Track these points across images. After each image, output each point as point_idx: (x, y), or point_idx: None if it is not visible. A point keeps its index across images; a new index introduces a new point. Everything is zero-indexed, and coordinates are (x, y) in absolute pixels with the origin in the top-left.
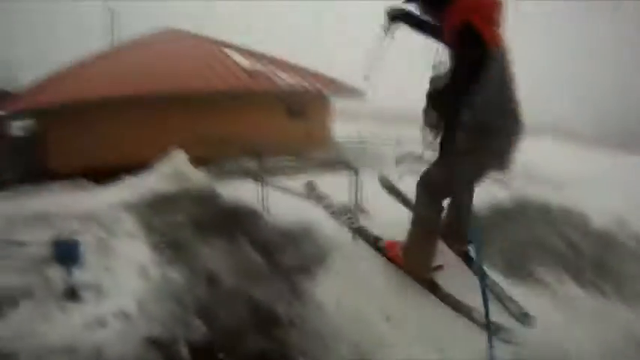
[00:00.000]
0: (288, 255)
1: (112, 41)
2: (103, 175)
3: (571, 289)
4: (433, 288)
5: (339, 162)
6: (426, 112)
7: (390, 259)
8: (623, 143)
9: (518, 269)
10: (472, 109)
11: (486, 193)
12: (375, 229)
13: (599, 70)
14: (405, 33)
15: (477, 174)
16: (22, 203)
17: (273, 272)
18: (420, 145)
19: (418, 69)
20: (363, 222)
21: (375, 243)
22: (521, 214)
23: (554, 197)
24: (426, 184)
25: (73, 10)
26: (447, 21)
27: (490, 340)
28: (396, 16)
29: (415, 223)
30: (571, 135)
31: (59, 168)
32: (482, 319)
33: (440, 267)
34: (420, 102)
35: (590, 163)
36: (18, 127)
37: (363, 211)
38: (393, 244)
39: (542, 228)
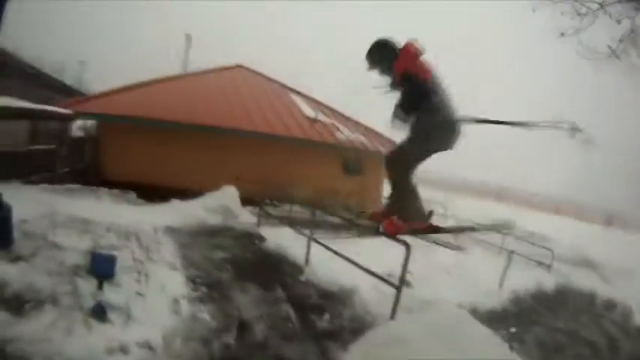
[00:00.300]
0: (324, 317)
1: (184, 66)
2: (152, 193)
3: None
4: (436, 229)
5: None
6: (395, 112)
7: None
8: None
9: None
10: (427, 112)
11: (530, 277)
12: (416, 305)
13: None
14: None
15: (428, 153)
16: (68, 203)
17: (306, 332)
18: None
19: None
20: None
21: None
22: (563, 303)
23: (600, 287)
24: (401, 158)
25: (152, 29)
26: (395, 73)
27: None
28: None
29: (399, 189)
30: (625, 221)
31: (111, 176)
32: None
33: (432, 211)
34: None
35: None
36: (78, 127)
37: (407, 284)
38: (384, 218)
39: (583, 319)
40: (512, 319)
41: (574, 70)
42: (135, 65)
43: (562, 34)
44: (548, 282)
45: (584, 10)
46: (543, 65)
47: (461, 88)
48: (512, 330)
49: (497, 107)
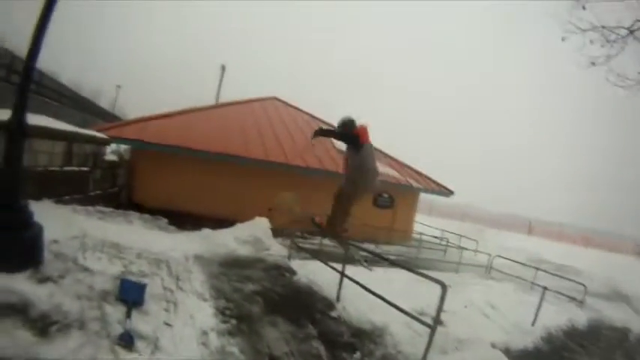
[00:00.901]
0: (355, 356)
1: (217, 95)
2: (183, 220)
3: None
4: (345, 243)
5: (425, 276)
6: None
7: (319, 225)
8: None
9: None
10: (359, 163)
11: (562, 313)
12: (449, 345)
13: None
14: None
15: (362, 191)
16: (99, 226)
17: None
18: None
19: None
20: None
21: (312, 220)
22: (597, 339)
23: (634, 321)
24: (347, 193)
25: (188, 57)
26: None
27: None
28: (320, 132)
29: (339, 208)
30: None
31: (142, 201)
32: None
33: (346, 229)
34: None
35: None
36: (112, 151)
37: (440, 322)
38: (321, 219)
39: (617, 355)
40: (545, 357)
41: (605, 98)
42: (170, 92)
43: (593, 64)
44: (581, 318)
45: (613, 37)
46: (574, 93)
47: (493, 116)
48: None
49: (524, 131)
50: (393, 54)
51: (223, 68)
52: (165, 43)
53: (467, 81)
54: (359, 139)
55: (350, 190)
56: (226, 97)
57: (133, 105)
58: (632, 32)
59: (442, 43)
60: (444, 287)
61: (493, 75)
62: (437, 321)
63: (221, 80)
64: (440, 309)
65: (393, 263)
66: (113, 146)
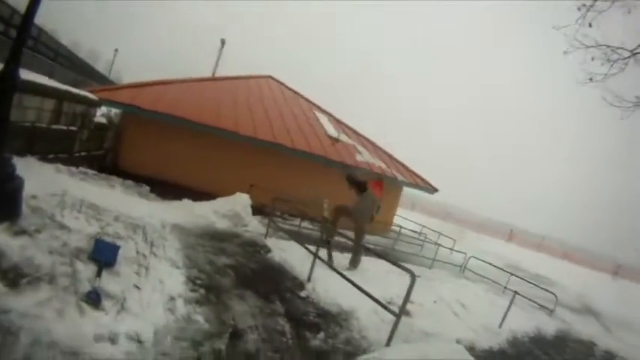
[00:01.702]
0: (319, 336)
1: (215, 70)
2: (166, 189)
3: None
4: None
5: (397, 265)
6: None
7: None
8: None
9: None
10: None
11: (531, 320)
12: (414, 336)
13: None
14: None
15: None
16: (80, 187)
17: (299, 349)
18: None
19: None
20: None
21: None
22: (562, 349)
23: (601, 336)
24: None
25: (187, 27)
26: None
27: None
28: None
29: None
30: (632, 272)
31: (127, 167)
32: None
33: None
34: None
35: None
36: (102, 114)
37: (407, 313)
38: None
39: None
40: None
41: (599, 117)
42: (167, 59)
43: (590, 80)
44: (549, 326)
45: (615, 56)
46: (570, 109)
47: (491, 127)
48: None
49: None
50: (393, 52)
51: (223, 42)
52: (166, 10)
53: (468, 82)
54: (365, 186)
55: (355, 221)
56: (225, 71)
57: (130, 70)
58: (634, 54)
59: (444, 44)
60: (412, 277)
61: (495, 76)
62: (403, 309)
63: (220, 54)
64: (407, 297)
65: (367, 250)
66: (104, 109)
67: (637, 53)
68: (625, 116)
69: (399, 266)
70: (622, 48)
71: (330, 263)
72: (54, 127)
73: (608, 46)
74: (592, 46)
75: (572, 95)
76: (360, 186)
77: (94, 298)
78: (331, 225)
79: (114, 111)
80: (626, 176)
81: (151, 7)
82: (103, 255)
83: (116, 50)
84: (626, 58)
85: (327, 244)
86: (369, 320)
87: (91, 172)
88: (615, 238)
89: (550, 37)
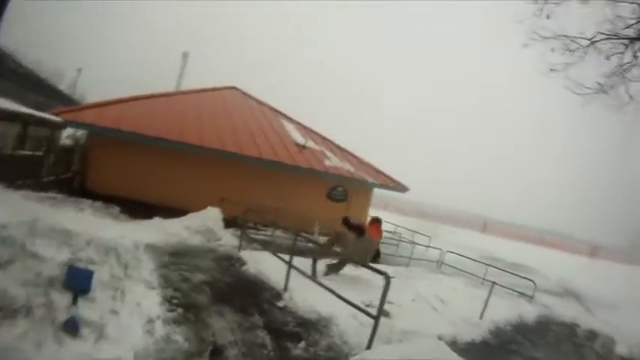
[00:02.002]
0: (300, 345)
1: (178, 83)
2: (136, 208)
3: None
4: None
5: (370, 268)
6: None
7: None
8: None
9: None
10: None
11: (512, 308)
12: (395, 336)
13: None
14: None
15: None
16: (50, 213)
17: None
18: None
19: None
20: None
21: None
22: (545, 333)
23: (583, 318)
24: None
25: (153, 43)
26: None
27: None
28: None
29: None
30: (609, 252)
31: (96, 188)
32: None
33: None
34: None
35: (625, 283)
36: (68, 136)
37: (387, 314)
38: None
39: (564, 349)
40: (492, 350)
41: (562, 105)
42: (132, 77)
43: (551, 70)
44: (530, 313)
45: (574, 46)
46: (533, 100)
47: (450, 123)
48: None
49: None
50: (367, 52)
51: (185, 56)
52: (130, 28)
53: (441, 79)
54: (363, 229)
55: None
56: (190, 84)
57: (97, 89)
58: (593, 43)
59: (422, 40)
60: (387, 279)
61: (465, 73)
62: (380, 312)
63: (183, 68)
64: (383, 300)
65: (338, 255)
66: (70, 130)
67: (596, 41)
68: (587, 103)
69: (373, 269)
70: (581, 37)
71: (313, 278)
72: (20, 152)
73: (567, 37)
74: (551, 38)
75: (537, 85)
76: (358, 230)
77: (71, 327)
78: (323, 249)
79: (80, 131)
80: (598, 158)
81: (119, 18)
82: (77, 282)
83: (79, 70)
84: (585, 47)
85: (314, 262)
86: (349, 325)
87: (60, 196)
88: (591, 220)
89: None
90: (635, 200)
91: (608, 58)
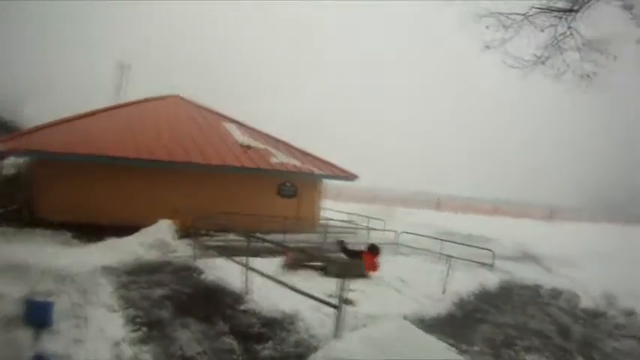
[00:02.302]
0: (267, 346)
1: (119, 96)
2: (88, 231)
3: None
4: None
5: (324, 258)
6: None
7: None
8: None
9: (505, 359)
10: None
11: (473, 279)
12: (360, 322)
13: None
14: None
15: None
16: (1, 248)
17: None
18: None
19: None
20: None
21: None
22: (509, 298)
23: (544, 278)
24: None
25: (87, 58)
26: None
27: None
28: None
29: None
30: (565, 213)
31: (45, 215)
32: None
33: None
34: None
35: (582, 241)
36: (10, 165)
37: (350, 302)
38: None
39: (530, 311)
40: (459, 321)
41: (504, 79)
42: (78, 97)
43: (487, 47)
44: (492, 281)
45: (508, 22)
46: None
47: (396, 103)
48: (460, 332)
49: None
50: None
51: (124, 67)
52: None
53: (389, 61)
54: (360, 256)
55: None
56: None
57: (43, 114)
58: (527, 17)
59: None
60: (341, 267)
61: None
62: (341, 300)
63: (122, 79)
64: (342, 289)
65: (292, 250)
66: (12, 159)
67: (530, 16)
68: (526, 75)
69: (326, 259)
70: (515, 13)
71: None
72: None
73: (501, 14)
74: (485, 16)
75: (480, 61)
76: (353, 255)
77: None
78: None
79: (23, 159)
80: (543, 125)
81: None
82: (37, 316)
83: (22, 98)
84: (519, 22)
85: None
86: (314, 318)
87: (9, 229)
88: (543, 185)
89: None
90: (582, 160)
91: (542, 30)
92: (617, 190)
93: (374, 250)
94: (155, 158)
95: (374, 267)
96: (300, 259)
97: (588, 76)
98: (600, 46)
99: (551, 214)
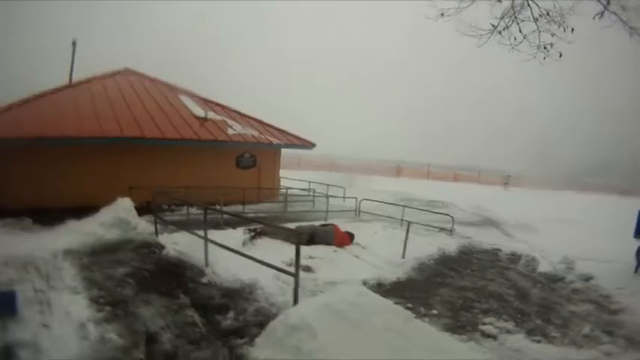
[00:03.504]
0: (228, 317)
1: (70, 74)
2: (47, 216)
3: (517, 338)
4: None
5: (281, 228)
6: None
7: None
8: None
9: (464, 322)
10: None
11: (433, 244)
12: (320, 289)
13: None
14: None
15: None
16: None
17: (213, 334)
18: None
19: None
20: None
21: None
22: (468, 262)
23: (503, 243)
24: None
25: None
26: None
27: None
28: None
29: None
30: (522, 179)
31: (4, 203)
32: None
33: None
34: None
35: (542, 206)
36: None
37: (309, 269)
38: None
39: (489, 274)
40: (418, 285)
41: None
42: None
43: (442, 15)
44: (451, 245)
45: None
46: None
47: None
48: (418, 296)
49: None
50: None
51: (74, 44)
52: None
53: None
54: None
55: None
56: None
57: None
58: None
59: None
60: (297, 236)
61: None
62: (297, 267)
63: (73, 57)
64: (297, 256)
65: (253, 221)
66: None
67: None
68: (481, 44)
69: (283, 229)
70: None
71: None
72: None
73: None
74: None
75: (434, 31)
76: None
77: (9, 355)
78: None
79: None
80: (502, 89)
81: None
82: (2, 306)
83: None
84: None
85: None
86: (273, 286)
87: None
88: (501, 152)
89: None
90: (543, 129)
91: (500, 0)
92: (578, 161)
93: (349, 234)
94: (109, 136)
95: (344, 241)
96: (265, 231)
97: (545, 47)
98: (557, 18)
99: (510, 180)
